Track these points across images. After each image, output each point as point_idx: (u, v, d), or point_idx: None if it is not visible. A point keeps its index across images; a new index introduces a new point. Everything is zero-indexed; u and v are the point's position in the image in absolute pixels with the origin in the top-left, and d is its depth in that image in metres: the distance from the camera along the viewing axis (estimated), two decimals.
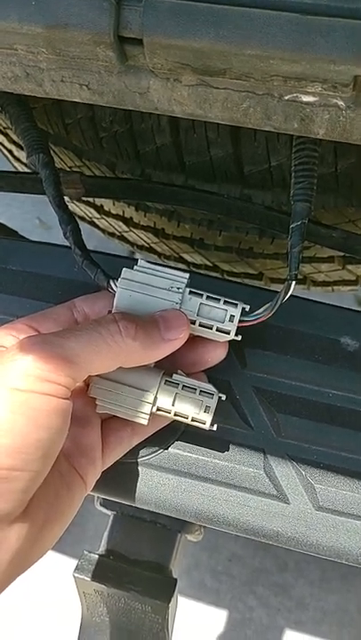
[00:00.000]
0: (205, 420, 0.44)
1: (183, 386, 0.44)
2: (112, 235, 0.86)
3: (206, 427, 0.44)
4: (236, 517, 0.47)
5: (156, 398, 0.44)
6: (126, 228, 0.80)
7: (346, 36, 0.31)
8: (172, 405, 0.44)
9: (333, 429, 0.47)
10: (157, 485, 0.48)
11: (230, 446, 0.47)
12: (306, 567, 1.27)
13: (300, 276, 0.80)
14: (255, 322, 0.45)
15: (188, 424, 0.45)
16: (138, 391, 0.44)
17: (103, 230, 0.87)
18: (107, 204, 0.77)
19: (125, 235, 0.83)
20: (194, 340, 0.46)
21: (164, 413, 0.44)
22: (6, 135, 0.76)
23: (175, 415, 0.44)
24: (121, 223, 0.79)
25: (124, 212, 0.77)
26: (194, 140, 0.60)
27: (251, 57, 0.32)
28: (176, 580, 0.63)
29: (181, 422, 0.45)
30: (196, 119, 0.40)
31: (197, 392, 0.44)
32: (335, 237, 0.53)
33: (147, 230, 0.77)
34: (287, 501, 0.46)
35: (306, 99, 0.35)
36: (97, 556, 0.63)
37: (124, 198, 0.66)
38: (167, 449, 0.48)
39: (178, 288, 0.44)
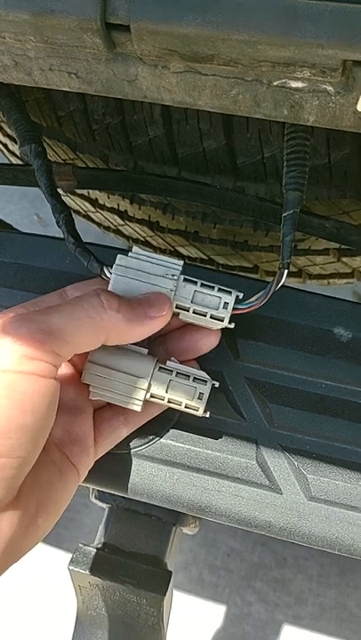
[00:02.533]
0: (198, 406, 0.44)
1: (177, 373, 0.44)
2: (107, 228, 0.86)
3: (199, 414, 0.44)
4: (229, 508, 0.46)
5: (150, 385, 0.44)
6: (121, 222, 0.80)
7: (334, 20, 0.30)
8: (166, 392, 0.44)
9: (326, 420, 0.47)
10: (150, 476, 0.48)
11: (223, 437, 0.47)
12: (305, 562, 1.27)
13: (295, 269, 0.80)
14: (248, 309, 0.45)
15: (181, 412, 0.45)
16: (131, 377, 0.44)
17: (98, 224, 0.86)
18: (101, 197, 0.77)
19: (121, 228, 0.83)
20: (186, 328, 0.46)
21: (157, 400, 0.44)
22: (0, 129, 0.75)
23: (169, 402, 0.44)
24: (116, 216, 0.79)
25: (118, 206, 0.77)
26: (186, 131, 0.60)
27: (238, 42, 0.32)
28: (171, 572, 0.63)
29: (175, 410, 0.45)
30: (186, 107, 0.39)
31: (191, 379, 0.44)
32: (328, 228, 0.53)
33: (142, 223, 0.77)
34: (280, 492, 0.46)
35: (295, 84, 0.35)
36: (92, 549, 0.63)
37: (116, 190, 0.65)
38: (159, 439, 0.48)
39: (172, 275, 0.44)
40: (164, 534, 0.64)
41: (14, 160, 0.82)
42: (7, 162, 0.83)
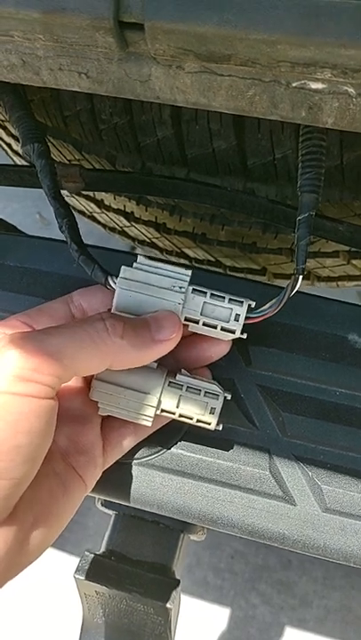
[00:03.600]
0: (210, 421, 0.43)
1: (187, 387, 0.43)
2: (113, 230, 0.85)
3: (212, 428, 0.43)
4: (241, 519, 0.45)
5: (160, 401, 0.42)
6: (127, 223, 0.78)
7: (357, 19, 0.29)
8: (177, 407, 0.43)
9: (341, 429, 0.46)
10: (160, 486, 0.47)
11: (234, 446, 0.46)
12: (309, 565, 1.26)
13: None
14: (261, 318, 0.43)
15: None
16: (141, 394, 0.42)
17: (104, 225, 0.85)
18: (107, 198, 0.76)
19: (126, 229, 0.82)
20: (196, 336, 0.45)
21: (168, 415, 0.43)
22: (4, 128, 0.74)
23: (180, 417, 0.43)
24: (122, 218, 0.78)
25: (125, 207, 0.76)
26: (196, 131, 0.59)
27: (257, 42, 0.31)
28: (179, 581, 0.61)
29: (186, 423, 0.44)
30: (200, 109, 0.38)
31: (202, 393, 0.43)
32: (341, 231, 0.52)
33: (148, 225, 0.76)
34: (293, 503, 0.45)
35: (314, 86, 0.33)
36: (98, 557, 0.62)
37: (124, 192, 0.64)
38: (170, 449, 0.47)
39: (180, 287, 0.42)
40: (172, 542, 0.63)
41: (18, 160, 0.81)
42: (11, 163, 0.82)
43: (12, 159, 0.82)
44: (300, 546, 0.45)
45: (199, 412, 0.43)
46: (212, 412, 0.43)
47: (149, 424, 0.43)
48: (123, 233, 0.83)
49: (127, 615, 0.63)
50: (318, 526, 0.44)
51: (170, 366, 0.44)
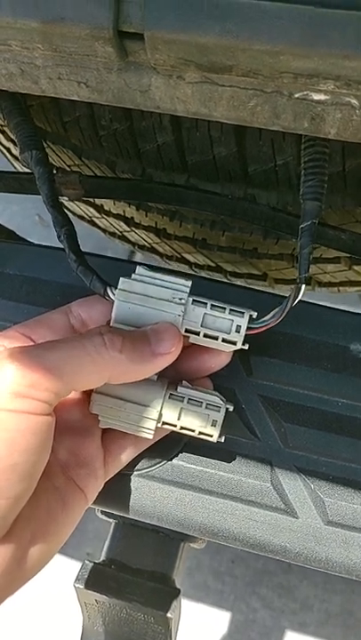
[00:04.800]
0: (212, 433, 0.42)
1: (189, 399, 0.42)
2: (113, 234, 0.84)
3: (214, 439, 0.42)
4: (242, 532, 0.45)
5: (160, 414, 0.42)
6: (127, 228, 0.78)
7: None
8: (178, 420, 0.42)
9: (343, 440, 0.45)
10: (160, 498, 0.46)
11: (236, 458, 0.46)
12: (310, 569, 1.25)
13: None
14: (263, 329, 0.42)
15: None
16: (141, 407, 0.42)
17: (103, 230, 0.85)
18: (107, 203, 0.76)
19: (126, 234, 0.81)
20: (197, 347, 0.44)
21: (169, 427, 0.43)
22: (3, 132, 0.74)
23: (181, 429, 0.42)
24: (122, 223, 0.77)
25: (124, 212, 0.75)
26: (197, 138, 0.58)
27: (259, 52, 0.30)
28: (179, 590, 0.61)
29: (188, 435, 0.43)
30: (200, 118, 0.38)
31: (204, 405, 0.42)
32: (344, 240, 0.51)
33: (148, 230, 0.75)
34: (295, 515, 0.44)
35: (317, 97, 0.33)
36: (98, 566, 0.62)
37: (124, 199, 0.64)
38: (170, 460, 0.46)
39: (180, 299, 0.41)
40: (172, 550, 0.62)
41: (17, 164, 0.80)
42: (10, 168, 0.81)
43: (11, 163, 0.81)
44: (302, 559, 0.44)
45: (201, 424, 0.42)
46: (213, 425, 0.42)
47: (150, 437, 0.43)
48: (123, 238, 0.83)
49: (127, 624, 0.63)
50: (321, 539, 0.44)
51: (170, 377, 0.44)
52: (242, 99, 0.34)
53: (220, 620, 1.22)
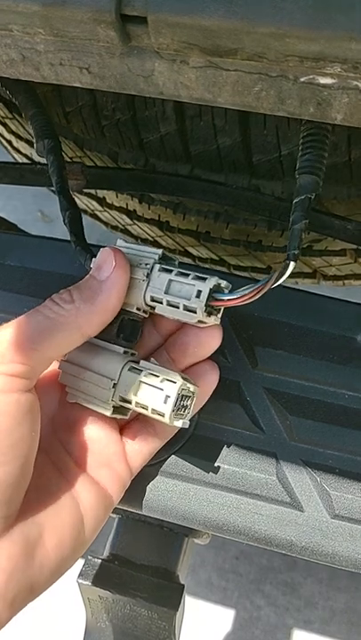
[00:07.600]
0: (164, 411, 0.38)
1: (148, 373, 0.39)
2: (115, 228, 0.84)
3: (165, 420, 0.39)
4: (248, 526, 0.44)
5: (116, 385, 0.40)
6: (130, 221, 0.77)
7: None
8: (134, 395, 0.39)
9: (349, 433, 0.44)
10: (164, 492, 0.46)
11: (241, 451, 0.45)
12: (315, 566, 1.25)
13: (310, 270, 0.77)
14: (235, 301, 0.38)
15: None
16: (98, 377, 0.40)
17: (106, 223, 0.84)
18: (109, 196, 0.75)
19: (129, 228, 0.81)
20: (181, 330, 0.43)
21: (126, 405, 0.40)
22: (5, 125, 0.73)
23: (136, 406, 0.40)
24: (124, 216, 0.77)
25: (127, 205, 0.74)
26: (200, 127, 0.57)
27: (264, 35, 0.30)
28: (183, 585, 0.60)
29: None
30: (204, 104, 0.37)
31: (160, 380, 0.39)
32: (351, 230, 0.50)
33: (151, 223, 0.75)
34: (301, 509, 0.44)
35: (323, 81, 0.32)
36: (101, 561, 0.61)
37: (127, 190, 0.63)
38: (174, 454, 0.46)
39: (146, 264, 0.40)
40: (176, 546, 0.62)
41: (18, 157, 0.80)
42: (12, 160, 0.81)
43: (12, 156, 0.81)
44: (308, 553, 0.44)
45: (154, 400, 0.39)
46: (165, 402, 0.38)
47: (109, 413, 0.40)
48: (125, 231, 0.82)
49: (131, 620, 0.62)
50: (327, 533, 0.43)
51: (166, 365, 0.42)
52: (247, 83, 0.34)
53: (224, 617, 1.22)
